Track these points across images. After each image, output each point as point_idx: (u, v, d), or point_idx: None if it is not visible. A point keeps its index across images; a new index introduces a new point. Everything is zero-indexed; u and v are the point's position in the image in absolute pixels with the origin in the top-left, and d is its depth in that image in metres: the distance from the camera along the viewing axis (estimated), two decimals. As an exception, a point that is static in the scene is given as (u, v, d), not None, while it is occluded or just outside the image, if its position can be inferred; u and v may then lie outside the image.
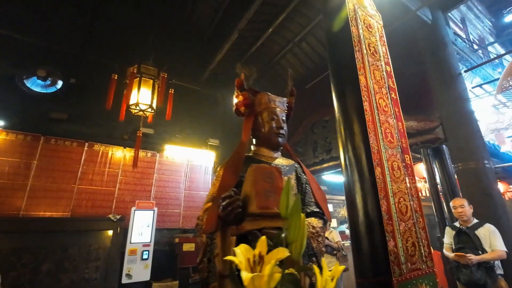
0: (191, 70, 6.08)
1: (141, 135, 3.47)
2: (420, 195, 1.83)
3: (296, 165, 1.45)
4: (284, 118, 1.45)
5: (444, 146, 3.86)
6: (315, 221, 1.23)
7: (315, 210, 1.30)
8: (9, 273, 3.41)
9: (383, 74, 2.03)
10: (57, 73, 4.61)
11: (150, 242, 4.17)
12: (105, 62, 4.59)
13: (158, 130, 5.47)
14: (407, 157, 1.88)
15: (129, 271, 3.88)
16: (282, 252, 0.64)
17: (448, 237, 2.79)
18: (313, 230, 1.18)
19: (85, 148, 4.64)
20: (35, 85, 4.55)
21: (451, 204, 2.83)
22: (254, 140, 1.49)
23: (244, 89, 1.41)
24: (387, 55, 2.19)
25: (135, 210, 4.21)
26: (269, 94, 1.47)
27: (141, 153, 5.14)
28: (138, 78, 3.24)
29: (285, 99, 1.52)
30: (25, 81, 4.46)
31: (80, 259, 3.88)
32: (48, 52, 4.63)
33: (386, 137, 1.80)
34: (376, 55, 2.07)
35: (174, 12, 5.70)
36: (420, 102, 3.75)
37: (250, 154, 1.44)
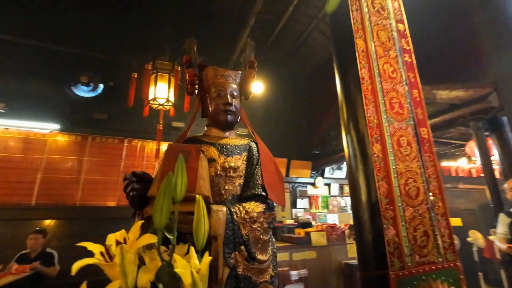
0: (216, 63, 6.14)
1: (161, 128, 3.65)
2: (437, 177, 1.50)
3: (251, 144, 1.32)
4: (235, 93, 1.32)
5: (505, 118, 3.17)
6: (252, 205, 1.10)
7: (258, 193, 1.17)
8: (68, 253, 3.99)
9: (392, 35, 1.71)
10: (97, 78, 5.11)
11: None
12: (135, 62, 4.92)
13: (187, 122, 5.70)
14: (423, 131, 1.57)
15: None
16: (147, 239, 0.56)
17: (502, 226, 2.31)
18: (246, 216, 1.05)
19: (125, 144, 5.10)
20: (80, 90, 5.13)
21: (505, 185, 2.32)
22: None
23: (191, 66, 1.32)
24: (401, 11, 1.83)
25: (168, 199, 4.50)
26: (217, 68, 1.35)
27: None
28: (154, 74, 3.39)
29: (239, 71, 1.38)
30: (72, 88, 5.06)
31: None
32: (88, 60, 5.16)
33: (392, 108, 1.52)
34: (383, 12, 1.75)
35: (194, 5, 5.75)
36: (468, 67, 3.12)
37: (197, 136, 1.36)
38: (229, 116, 1.30)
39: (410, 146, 1.48)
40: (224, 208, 1.02)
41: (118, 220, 4.71)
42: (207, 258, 0.61)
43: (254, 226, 1.05)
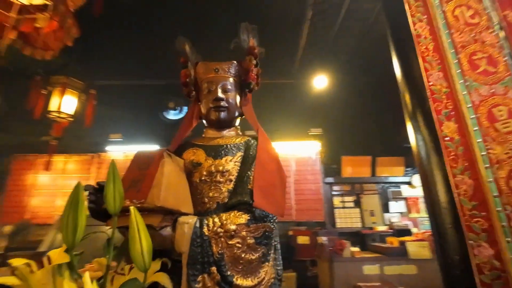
0: (279, 65, 6.09)
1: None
2: None
3: (249, 142, 1.11)
4: (229, 86, 1.15)
5: None
6: (231, 216, 0.88)
7: (244, 200, 0.94)
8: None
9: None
10: (180, 101, 5.90)
11: (262, 234, 4.45)
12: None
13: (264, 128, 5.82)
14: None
15: (248, 260, 4.31)
16: (58, 258, 0.49)
17: None
18: (219, 229, 0.84)
19: (207, 156, 5.63)
20: (169, 114, 6.03)
21: None
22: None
23: (186, 67, 1.23)
24: None
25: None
26: (208, 62, 1.21)
27: (248, 154, 5.64)
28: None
29: (233, 62, 1.20)
30: (164, 113, 6.01)
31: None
32: (172, 88, 6.03)
33: (475, 67, 1.05)
34: None
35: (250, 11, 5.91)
36: None
37: (192, 139, 1.25)
38: (221, 113, 1.17)
39: (514, 119, 0.98)
40: (191, 220, 0.88)
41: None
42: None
43: (231, 242, 0.86)
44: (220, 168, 1.05)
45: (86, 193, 0.92)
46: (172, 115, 5.99)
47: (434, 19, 1.15)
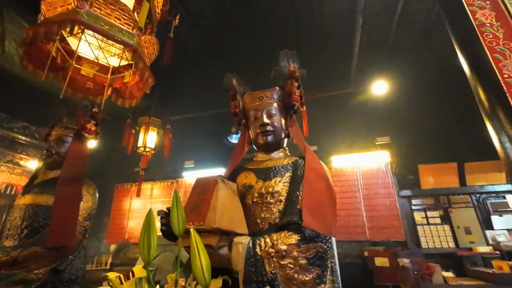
0: (335, 76, 5.95)
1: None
2: None
3: (297, 162, 1.10)
4: (273, 111, 1.18)
5: None
6: (282, 236, 0.86)
7: (294, 220, 0.90)
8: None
9: None
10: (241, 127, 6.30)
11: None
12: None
13: (322, 143, 5.70)
14: None
15: (320, 282, 4.10)
16: (137, 272, 0.61)
17: None
18: (271, 249, 0.83)
19: (269, 175, 5.76)
20: (232, 139, 6.48)
21: None
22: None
23: (235, 98, 1.33)
24: None
25: (312, 224, 4.50)
26: (252, 92, 1.28)
27: (311, 170, 5.53)
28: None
29: (275, 88, 1.24)
30: (228, 138, 6.49)
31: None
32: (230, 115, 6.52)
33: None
34: None
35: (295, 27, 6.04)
36: None
37: (245, 164, 1.30)
38: (268, 137, 1.22)
39: None
40: (245, 240, 0.92)
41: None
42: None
43: (283, 262, 0.86)
44: (270, 189, 1.10)
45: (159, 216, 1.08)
46: (235, 139, 6.42)
47: (502, 2, 1.02)
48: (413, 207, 4.73)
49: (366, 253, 4.41)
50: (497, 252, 3.85)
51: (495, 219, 4.25)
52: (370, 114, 5.62)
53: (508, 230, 4.16)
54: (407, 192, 4.81)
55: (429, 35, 5.47)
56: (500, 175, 4.40)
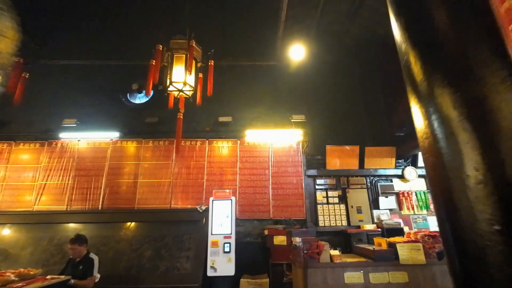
0: (259, 46, 5.44)
1: (181, 117, 3.16)
2: None
3: None
4: None
5: None
6: None
7: None
8: (123, 256, 3.97)
9: None
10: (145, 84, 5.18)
11: (231, 234, 3.82)
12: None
13: (236, 116, 5.18)
14: None
15: (213, 264, 3.68)
16: None
17: None
18: None
19: (175, 145, 4.96)
20: (134, 98, 5.32)
21: None
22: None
23: None
24: None
25: (213, 200, 4.00)
26: None
27: (222, 142, 4.99)
28: (168, 55, 2.95)
29: None
30: (128, 96, 5.30)
31: (174, 248, 4.06)
32: (137, 69, 5.32)
33: None
34: None
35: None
36: None
37: None
38: None
39: None
40: None
41: (169, 224, 4.58)
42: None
43: None
44: None
45: None
46: (137, 99, 5.30)
47: None
48: (317, 187, 4.75)
49: (266, 232, 4.20)
50: (379, 229, 4.15)
51: (382, 200, 4.62)
52: (290, 91, 5.37)
53: (390, 209, 4.57)
54: (313, 172, 4.80)
55: (353, 21, 5.46)
56: (391, 160, 4.76)
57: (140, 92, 5.30)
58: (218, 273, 3.65)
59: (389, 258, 2.84)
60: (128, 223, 4.44)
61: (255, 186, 4.76)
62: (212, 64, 3.17)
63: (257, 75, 5.50)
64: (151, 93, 5.19)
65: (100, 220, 4.47)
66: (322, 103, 5.26)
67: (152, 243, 4.15)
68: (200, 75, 3.26)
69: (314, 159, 4.94)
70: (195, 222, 4.27)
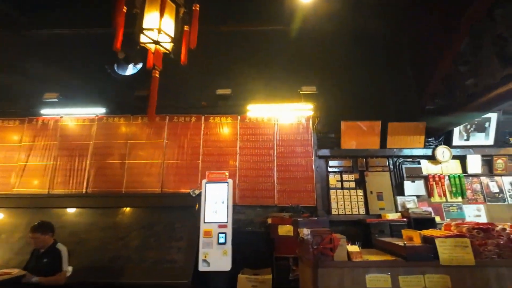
0: (265, 8, 4.64)
1: (157, 75, 2.52)
2: None
3: None
4: None
5: None
6: None
7: None
8: (107, 246, 3.49)
9: None
10: (133, 54, 4.57)
11: (227, 222, 3.24)
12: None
13: (237, 89, 4.50)
14: None
15: (206, 257, 3.13)
16: None
17: None
18: None
19: (166, 122, 4.37)
20: (123, 70, 4.72)
21: None
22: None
23: None
24: None
25: (206, 183, 3.41)
26: None
27: (220, 119, 4.36)
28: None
29: None
30: (115, 67, 4.70)
31: (164, 237, 3.55)
32: (125, 36, 4.67)
33: None
34: None
35: None
36: None
37: None
38: None
39: None
40: None
41: (159, 209, 4.05)
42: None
43: None
44: None
45: None
46: (126, 70, 4.69)
47: None
48: (330, 169, 4.08)
49: (270, 220, 3.61)
50: (405, 219, 3.47)
51: (407, 184, 3.91)
52: (299, 60, 4.61)
53: (417, 196, 3.86)
54: (325, 152, 4.11)
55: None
56: (419, 138, 4.01)
57: (127, 63, 4.69)
58: (211, 268, 3.10)
59: (426, 257, 2.18)
60: (115, 209, 3.95)
61: (258, 168, 4.14)
62: (198, 8, 2.47)
63: (261, 41, 4.76)
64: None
65: (84, 204, 4.00)
66: (337, 73, 4.49)
67: (140, 231, 3.65)
68: (186, 27, 2.59)
69: (327, 137, 4.24)
70: (189, 208, 3.72)
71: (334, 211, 3.88)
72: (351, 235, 3.22)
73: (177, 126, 4.34)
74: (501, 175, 3.95)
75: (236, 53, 4.68)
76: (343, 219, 3.82)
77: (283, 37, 4.72)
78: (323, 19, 4.42)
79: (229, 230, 3.23)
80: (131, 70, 4.71)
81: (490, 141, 3.97)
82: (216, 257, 3.13)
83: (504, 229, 2.32)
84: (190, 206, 3.70)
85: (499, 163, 3.96)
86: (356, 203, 3.90)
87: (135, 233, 3.66)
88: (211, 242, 3.18)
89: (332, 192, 3.97)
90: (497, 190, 3.90)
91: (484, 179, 3.95)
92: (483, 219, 3.68)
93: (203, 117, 4.37)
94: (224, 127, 4.32)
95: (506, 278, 2.11)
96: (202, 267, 3.12)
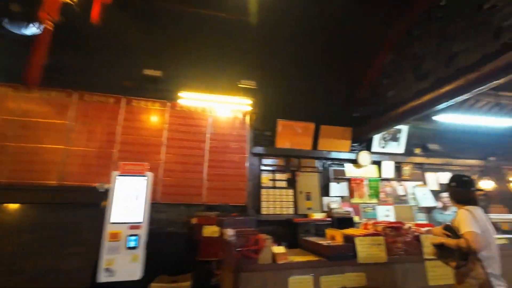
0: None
1: (50, 27, 1.96)
2: None
3: None
4: None
5: None
6: None
7: None
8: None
9: None
10: (33, 10, 3.59)
11: (142, 222, 2.75)
12: None
13: (169, 72, 4.00)
14: None
15: (110, 265, 2.57)
16: None
17: None
18: None
19: (74, 100, 3.56)
20: (17, 27, 3.67)
21: None
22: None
23: None
24: None
25: (117, 176, 2.84)
26: None
27: (146, 103, 3.80)
28: None
29: None
30: (5, 22, 3.61)
31: (58, 242, 2.81)
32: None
33: None
34: None
35: None
36: None
37: None
38: None
39: None
40: None
41: (56, 206, 3.25)
42: None
43: None
44: None
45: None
46: (21, 29, 3.66)
47: None
48: (263, 168, 3.96)
49: (194, 220, 3.24)
50: (329, 219, 3.58)
51: (333, 186, 4.08)
52: (241, 52, 4.39)
53: (341, 197, 4.06)
54: (260, 150, 3.99)
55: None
56: (346, 143, 4.25)
57: (28, 21, 3.67)
58: (117, 278, 2.57)
59: (347, 255, 2.18)
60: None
61: (186, 162, 3.72)
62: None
63: (203, 26, 4.36)
64: (39, 26, 3.65)
65: None
66: (277, 71, 4.43)
67: (21, 234, 2.82)
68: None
69: (263, 134, 4.13)
70: (93, 205, 3.06)
71: (264, 211, 3.76)
72: (279, 235, 3.15)
73: (88, 107, 3.58)
74: (407, 180, 4.51)
75: (172, 32, 4.16)
76: (272, 219, 3.73)
77: (227, 26, 4.42)
78: (269, 15, 4.32)
79: (143, 232, 2.75)
80: (30, 30, 3.70)
81: (401, 149, 4.50)
82: (123, 264, 2.61)
83: (410, 228, 2.55)
84: (95, 203, 3.05)
85: (406, 169, 4.51)
86: (286, 202, 3.87)
87: (13, 236, 2.81)
88: (117, 247, 2.63)
89: (263, 191, 3.86)
90: (403, 193, 4.42)
91: (394, 183, 4.43)
92: (392, 219, 4.10)
93: (124, 100, 3.73)
94: (151, 114, 3.78)
95: (410, 272, 2.28)
96: (103, 277, 2.55)
